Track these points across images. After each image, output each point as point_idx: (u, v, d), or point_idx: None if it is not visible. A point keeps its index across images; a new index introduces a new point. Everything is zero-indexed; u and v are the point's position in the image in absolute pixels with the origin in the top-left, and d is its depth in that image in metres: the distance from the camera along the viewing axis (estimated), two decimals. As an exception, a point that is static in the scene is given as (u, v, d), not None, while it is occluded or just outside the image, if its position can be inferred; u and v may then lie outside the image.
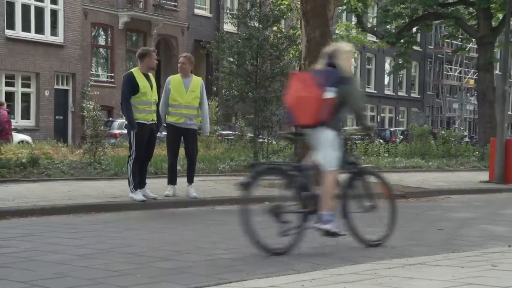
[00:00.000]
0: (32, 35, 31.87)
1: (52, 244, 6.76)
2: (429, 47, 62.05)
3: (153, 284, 5.11)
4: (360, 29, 31.92)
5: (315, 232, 8.02)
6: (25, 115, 31.94)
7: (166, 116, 11.10)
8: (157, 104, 10.69)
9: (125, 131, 10.99)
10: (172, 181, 11.14)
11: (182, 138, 11.09)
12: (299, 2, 16.33)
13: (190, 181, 11.13)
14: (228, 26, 36.91)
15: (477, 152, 27.63)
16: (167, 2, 38.20)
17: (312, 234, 7.86)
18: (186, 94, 10.92)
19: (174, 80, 11.10)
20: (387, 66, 56.80)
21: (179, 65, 11.20)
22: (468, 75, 65.40)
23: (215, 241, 7.16)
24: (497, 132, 18.18)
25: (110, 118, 31.90)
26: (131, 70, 10.67)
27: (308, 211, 6.71)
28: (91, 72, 34.88)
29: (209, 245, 6.86)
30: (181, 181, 11.36)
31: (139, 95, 10.31)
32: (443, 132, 33.70)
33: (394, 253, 6.44)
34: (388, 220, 7.14)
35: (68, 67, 33.16)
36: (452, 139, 29.92)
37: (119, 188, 11.88)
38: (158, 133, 11.06)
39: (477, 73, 34.40)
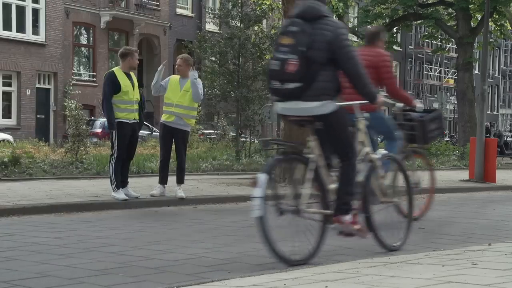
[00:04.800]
0: (13, 34, 31.70)
1: (33, 244, 6.75)
2: (410, 47, 62.35)
3: (135, 283, 5.11)
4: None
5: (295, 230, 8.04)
6: (6, 114, 31.78)
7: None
8: (139, 103, 10.69)
9: (107, 131, 10.99)
10: (162, 180, 11.10)
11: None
12: (280, 2, 16.37)
13: (179, 182, 11.11)
14: (210, 26, 36.96)
15: (457, 151, 27.80)
16: (149, 1, 38.13)
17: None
18: (180, 93, 10.91)
19: (172, 79, 11.11)
20: (368, 66, 56.93)
21: (176, 67, 11.22)
22: (448, 74, 65.78)
23: (197, 240, 7.17)
24: (476, 131, 18.30)
25: (92, 117, 31.82)
26: (112, 69, 10.67)
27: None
28: (73, 71, 34.77)
29: (191, 244, 6.87)
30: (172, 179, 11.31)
31: (121, 94, 10.31)
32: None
33: (376, 251, 6.48)
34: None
35: (49, 66, 33.02)
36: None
37: (101, 187, 11.85)
38: (140, 132, 11.08)
39: (456, 73, 34.62)
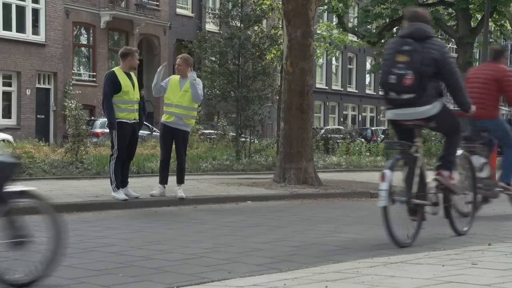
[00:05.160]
0: (13, 34, 31.69)
1: (33, 244, 6.72)
2: (410, 47, 62.21)
3: (135, 283, 5.11)
4: (341, 29, 32.02)
5: (293, 230, 8.05)
6: (6, 114, 31.77)
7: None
8: (139, 103, 10.68)
9: (108, 130, 10.99)
10: (162, 180, 11.09)
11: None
12: (280, 2, 16.39)
13: (179, 182, 11.10)
14: (210, 26, 36.96)
15: (457, 151, 27.74)
16: (149, 1, 38.12)
17: (290, 232, 7.89)
18: (180, 93, 10.90)
19: (172, 79, 11.11)
20: (368, 66, 56.97)
21: (175, 66, 11.21)
22: (448, 74, 65.65)
23: (197, 240, 7.17)
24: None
25: (92, 117, 31.82)
26: (113, 69, 10.68)
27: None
28: (73, 71, 34.75)
29: (191, 244, 6.87)
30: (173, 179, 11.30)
31: (121, 94, 10.31)
32: (423, 131, 33.84)
33: (376, 251, 6.49)
34: None
35: (49, 66, 33.01)
36: (433, 138, 30.08)
37: (101, 187, 11.85)
38: (140, 132, 11.09)
39: (457, 73, 34.51)
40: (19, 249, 4.87)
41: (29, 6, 32.39)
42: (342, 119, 55.13)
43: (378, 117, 60.37)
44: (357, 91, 57.28)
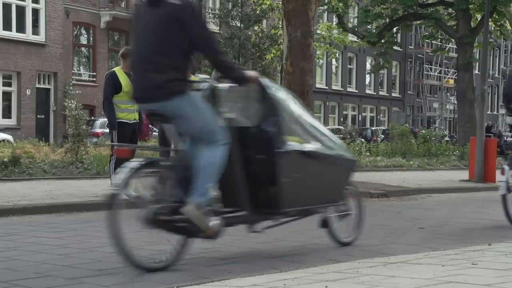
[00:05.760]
0: (13, 34, 31.71)
1: (33, 244, 6.74)
2: (410, 47, 62.33)
3: (135, 283, 5.11)
4: (341, 29, 32.04)
5: (293, 230, 8.06)
6: (6, 114, 31.79)
7: None
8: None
9: (107, 130, 10.99)
10: None
11: None
12: (280, 2, 16.39)
13: None
14: (210, 26, 36.98)
15: (457, 151, 27.79)
16: (149, 1, 38.16)
17: (290, 232, 7.89)
18: None
19: None
20: (368, 66, 56.99)
21: None
22: (448, 74, 65.76)
23: (197, 240, 7.15)
24: (476, 131, 18.30)
25: (92, 117, 31.85)
26: (113, 69, 10.68)
27: None
28: (73, 71, 34.77)
29: (191, 244, 6.85)
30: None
31: (122, 94, 10.31)
32: (423, 131, 33.89)
33: (376, 251, 6.48)
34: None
35: (49, 66, 33.03)
36: (433, 138, 30.08)
37: (101, 187, 11.83)
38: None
39: (456, 73, 34.60)
40: (345, 219, 6.84)
41: (29, 6, 32.42)
42: (342, 119, 55.16)
43: (378, 117, 60.39)
44: (357, 91, 57.30)
